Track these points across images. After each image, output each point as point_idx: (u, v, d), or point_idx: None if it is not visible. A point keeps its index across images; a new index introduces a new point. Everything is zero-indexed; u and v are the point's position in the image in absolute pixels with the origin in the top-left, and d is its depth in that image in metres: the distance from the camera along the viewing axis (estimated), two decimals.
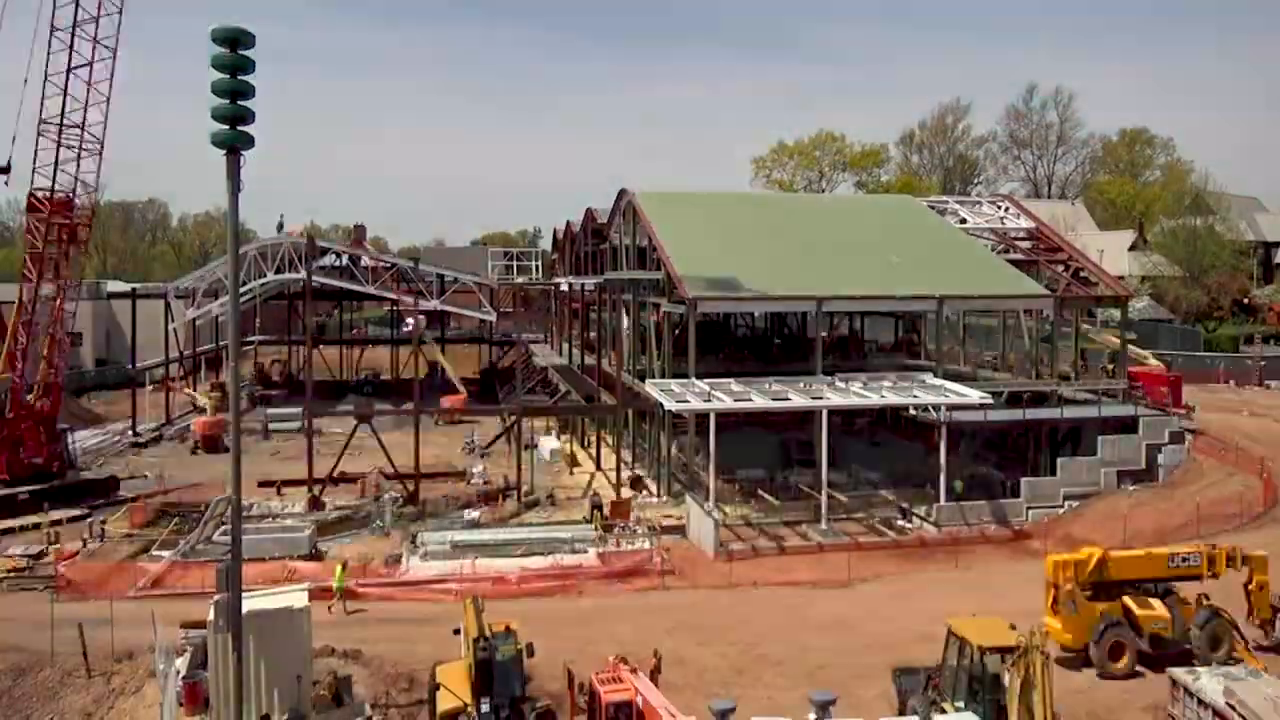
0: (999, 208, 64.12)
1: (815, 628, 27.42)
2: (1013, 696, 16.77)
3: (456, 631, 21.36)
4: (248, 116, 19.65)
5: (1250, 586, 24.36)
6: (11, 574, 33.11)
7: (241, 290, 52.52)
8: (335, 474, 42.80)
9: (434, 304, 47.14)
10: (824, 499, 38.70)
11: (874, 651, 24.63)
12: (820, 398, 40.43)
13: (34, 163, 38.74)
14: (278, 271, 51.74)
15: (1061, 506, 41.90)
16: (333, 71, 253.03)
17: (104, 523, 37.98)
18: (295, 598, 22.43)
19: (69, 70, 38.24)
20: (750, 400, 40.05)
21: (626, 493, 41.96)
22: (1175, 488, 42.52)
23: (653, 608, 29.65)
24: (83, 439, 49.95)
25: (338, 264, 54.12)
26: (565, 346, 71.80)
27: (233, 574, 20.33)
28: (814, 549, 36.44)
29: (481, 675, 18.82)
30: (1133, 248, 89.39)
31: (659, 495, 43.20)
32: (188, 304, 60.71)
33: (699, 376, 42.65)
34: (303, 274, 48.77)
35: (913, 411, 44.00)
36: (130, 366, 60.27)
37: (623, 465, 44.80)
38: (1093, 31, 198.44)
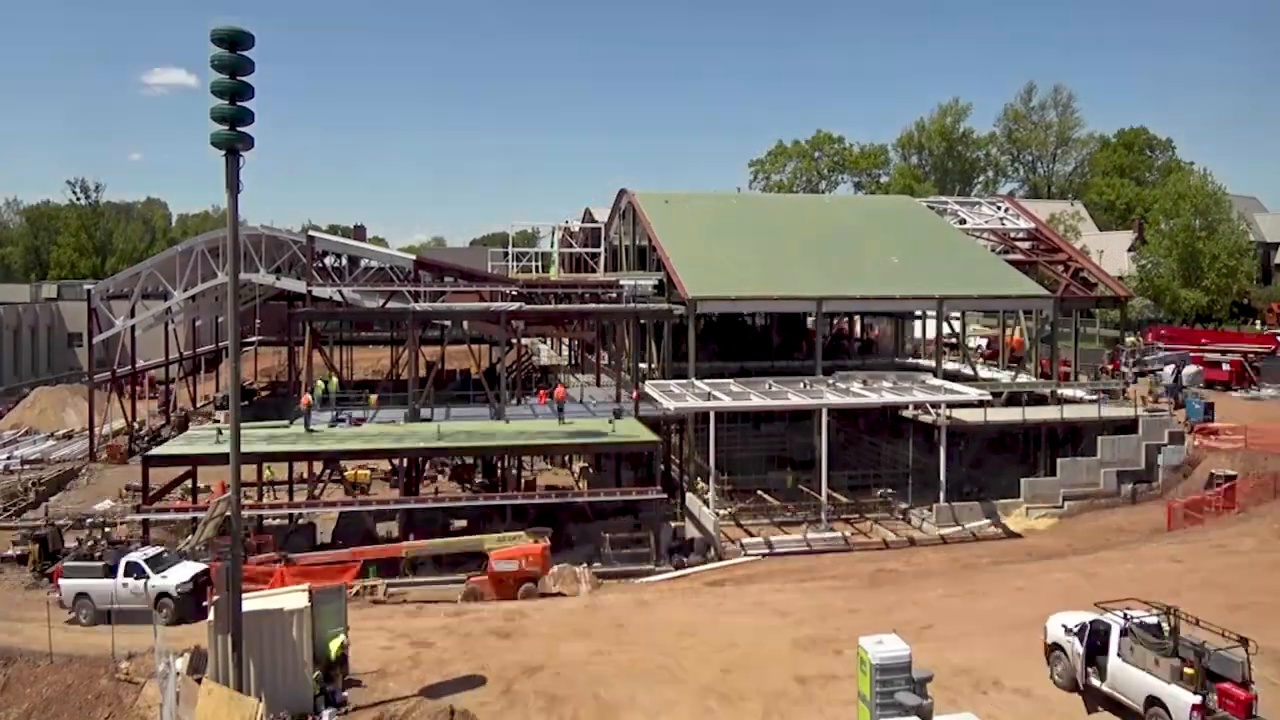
0: (998, 208, 64.16)
1: (805, 623, 27.45)
2: None
3: None
4: (247, 117, 19.66)
5: None
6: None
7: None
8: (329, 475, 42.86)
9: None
10: (824, 499, 38.76)
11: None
12: (820, 397, 40.45)
13: None
14: (275, 270, 51.58)
15: (1061, 506, 42.00)
16: (333, 69, 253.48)
17: (103, 523, 38.01)
18: (295, 598, 22.44)
19: None
20: (750, 400, 40.07)
21: None
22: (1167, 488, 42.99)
23: (649, 607, 29.66)
24: None
25: (336, 265, 54.04)
26: (564, 347, 71.90)
27: (232, 574, 20.37)
28: (811, 550, 36.43)
29: None
30: (1132, 248, 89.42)
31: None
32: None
33: (699, 376, 42.69)
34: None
35: (912, 411, 44.00)
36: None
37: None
38: (1093, 31, 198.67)
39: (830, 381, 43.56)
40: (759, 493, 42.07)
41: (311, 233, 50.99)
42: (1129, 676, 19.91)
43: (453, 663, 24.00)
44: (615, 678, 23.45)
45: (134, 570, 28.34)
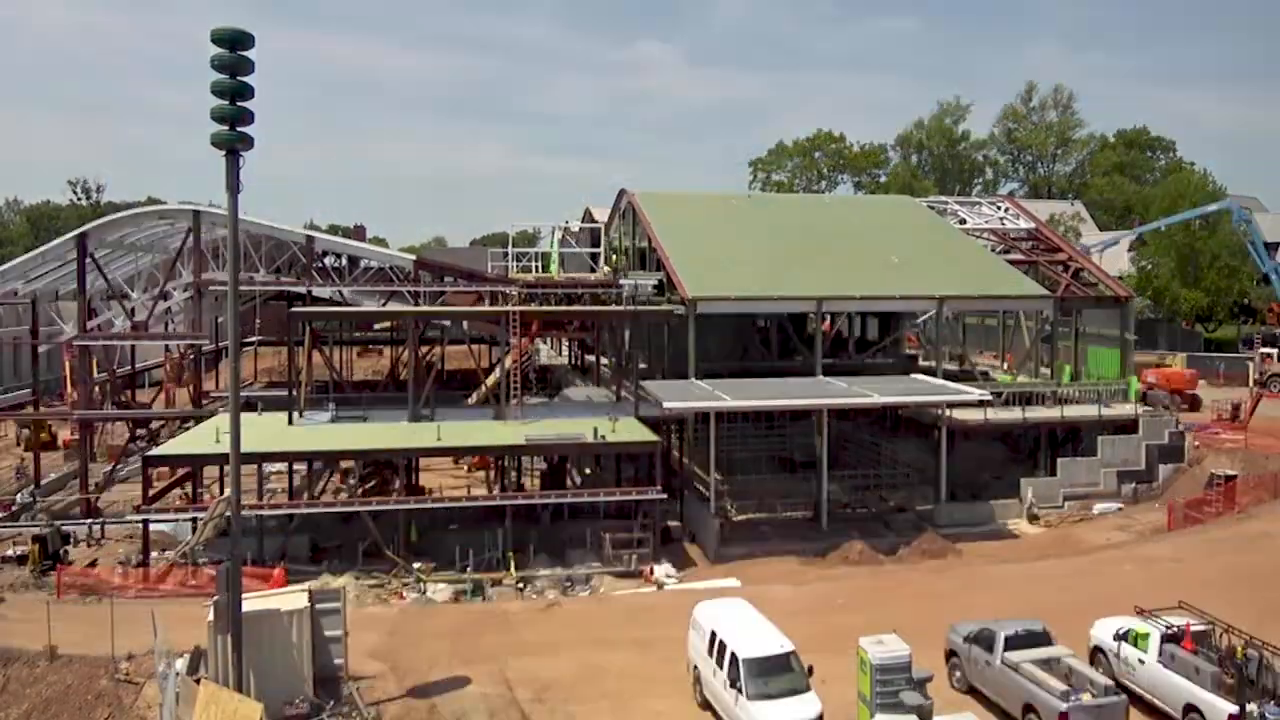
0: (998, 208, 64.11)
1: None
2: None
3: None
4: (247, 117, 19.68)
5: None
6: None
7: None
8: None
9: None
10: (824, 498, 38.81)
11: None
12: (820, 397, 40.43)
13: None
14: (275, 270, 51.48)
15: (1061, 506, 41.99)
16: (333, 69, 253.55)
17: (102, 522, 38.01)
18: (295, 599, 22.45)
19: None
20: (750, 400, 40.03)
21: None
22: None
23: (651, 607, 29.68)
24: None
25: (336, 265, 53.98)
26: (564, 346, 71.88)
27: (233, 574, 20.38)
28: (810, 550, 36.42)
29: None
30: (1132, 248, 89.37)
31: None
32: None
33: (699, 376, 42.68)
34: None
35: (913, 411, 44.03)
36: None
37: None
38: (1093, 30, 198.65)
39: (830, 381, 43.53)
40: (759, 493, 42.07)
41: (311, 232, 50.91)
42: (1168, 682, 20.53)
43: (450, 661, 24.04)
44: (610, 678, 23.47)
45: None
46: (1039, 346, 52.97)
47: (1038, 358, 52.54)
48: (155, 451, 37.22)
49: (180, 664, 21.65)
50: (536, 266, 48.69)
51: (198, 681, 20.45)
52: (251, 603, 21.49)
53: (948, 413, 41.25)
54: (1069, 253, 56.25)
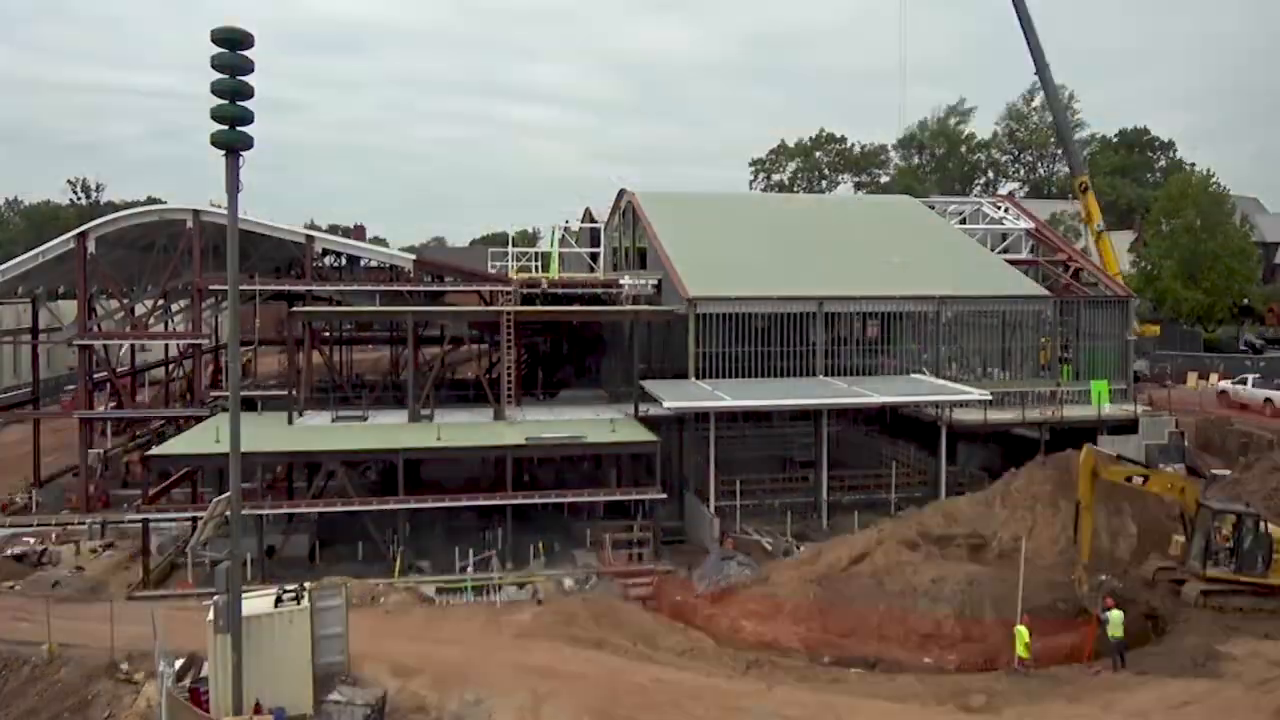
0: (999, 208, 64.07)
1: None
2: None
3: None
4: (247, 117, 19.67)
5: None
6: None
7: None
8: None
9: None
10: (824, 500, 38.79)
11: None
12: (820, 398, 40.43)
13: None
14: (275, 270, 51.46)
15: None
16: (334, 67, 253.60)
17: (103, 521, 38.00)
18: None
19: None
20: (750, 400, 40.03)
21: None
22: None
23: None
24: None
25: (336, 264, 53.99)
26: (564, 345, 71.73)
27: (232, 574, 20.38)
28: (812, 551, 36.37)
29: None
30: (1132, 248, 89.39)
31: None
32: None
33: (698, 376, 42.70)
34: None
35: (913, 411, 43.99)
36: None
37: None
38: (1092, 29, 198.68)
39: (830, 381, 43.54)
40: (759, 494, 42.02)
41: (311, 232, 50.93)
42: None
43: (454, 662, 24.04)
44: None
45: None
46: (1038, 347, 52.91)
47: (1037, 358, 52.48)
48: (155, 451, 37.20)
49: (179, 663, 21.65)
50: (536, 266, 48.74)
51: (188, 693, 20.46)
52: (252, 603, 21.46)
53: (947, 413, 41.22)
54: (1069, 253, 56.28)
